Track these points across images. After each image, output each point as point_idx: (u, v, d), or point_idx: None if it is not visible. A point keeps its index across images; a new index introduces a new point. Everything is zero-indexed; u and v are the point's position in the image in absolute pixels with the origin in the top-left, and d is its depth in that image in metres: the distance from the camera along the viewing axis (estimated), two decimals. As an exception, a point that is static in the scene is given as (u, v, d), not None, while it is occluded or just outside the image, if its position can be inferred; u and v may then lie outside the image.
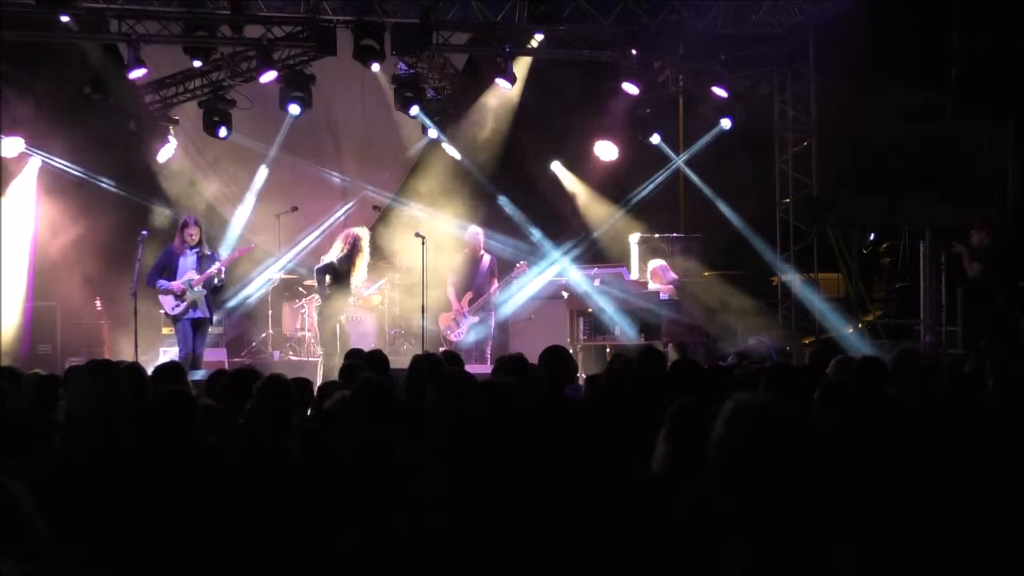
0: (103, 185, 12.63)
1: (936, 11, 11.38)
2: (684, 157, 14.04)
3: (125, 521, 3.54)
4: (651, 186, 14.22)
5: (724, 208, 13.61)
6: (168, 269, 10.35)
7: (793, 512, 1.96)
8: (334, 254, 11.12)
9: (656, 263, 12.10)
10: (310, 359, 12.14)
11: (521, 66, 13.14)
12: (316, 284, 11.46)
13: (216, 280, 10.45)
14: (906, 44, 12.01)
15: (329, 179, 14.13)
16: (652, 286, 11.83)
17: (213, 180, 13.57)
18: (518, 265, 12.13)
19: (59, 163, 12.39)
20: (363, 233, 11.28)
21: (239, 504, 3.69)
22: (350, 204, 14.16)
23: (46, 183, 12.45)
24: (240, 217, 13.38)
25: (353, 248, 11.06)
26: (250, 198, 13.46)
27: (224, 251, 12.15)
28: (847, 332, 12.43)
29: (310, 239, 13.95)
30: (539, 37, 12.66)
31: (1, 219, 12.04)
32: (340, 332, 11.12)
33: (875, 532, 2.90)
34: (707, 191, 13.77)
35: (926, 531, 3.17)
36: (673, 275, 11.97)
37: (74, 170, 12.46)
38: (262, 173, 13.52)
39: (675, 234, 13.31)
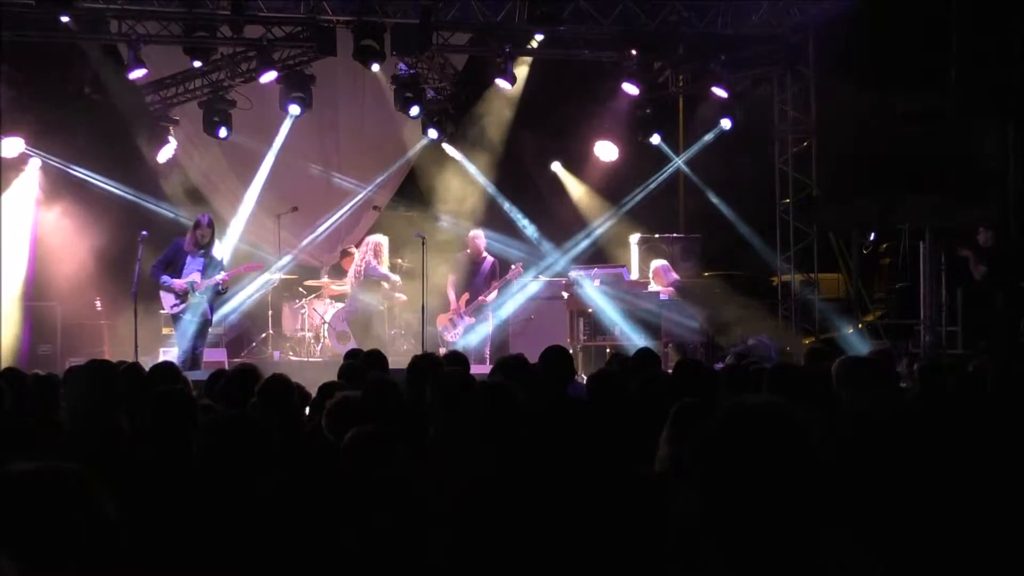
0: (103, 185, 12.63)
1: (936, 11, 11.36)
2: (684, 157, 14.04)
3: (124, 521, 3.54)
4: (651, 186, 14.22)
5: (724, 208, 13.61)
6: (173, 265, 10.23)
7: (772, 514, 1.95)
8: (371, 265, 11.82)
9: (658, 263, 12.09)
10: (310, 359, 12.14)
11: (521, 66, 13.13)
12: (366, 300, 11.85)
13: (219, 287, 10.40)
14: (906, 44, 12.00)
15: (329, 179, 14.12)
16: (653, 286, 11.82)
17: (213, 180, 13.56)
18: (513, 267, 12.14)
19: (59, 163, 12.39)
20: (379, 238, 12.04)
21: (238, 503, 3.69)
22: (350, 204, 14.16)
23: (46, 183, 12.45)
24: (240, 217, 13.36)
25: (376, 255, 11.85)
26: (250, 198, 13.45)
27: (222, 252, 12.11)
28: (847, 332, 12.43)
29: (310, 239, 13.97)
30: (539, 37, 12.66)
31: (1, 219, 12.04)
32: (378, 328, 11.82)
33: (871, 535, 2.90)
34: (707, 191, 13.77)
35: (927, 532, 3.17)
36: (675, 275, 11.96)
37: (74, 170, 12.46)
38: (262, 173, 13.51)
39: (675, 234, 13.32)
